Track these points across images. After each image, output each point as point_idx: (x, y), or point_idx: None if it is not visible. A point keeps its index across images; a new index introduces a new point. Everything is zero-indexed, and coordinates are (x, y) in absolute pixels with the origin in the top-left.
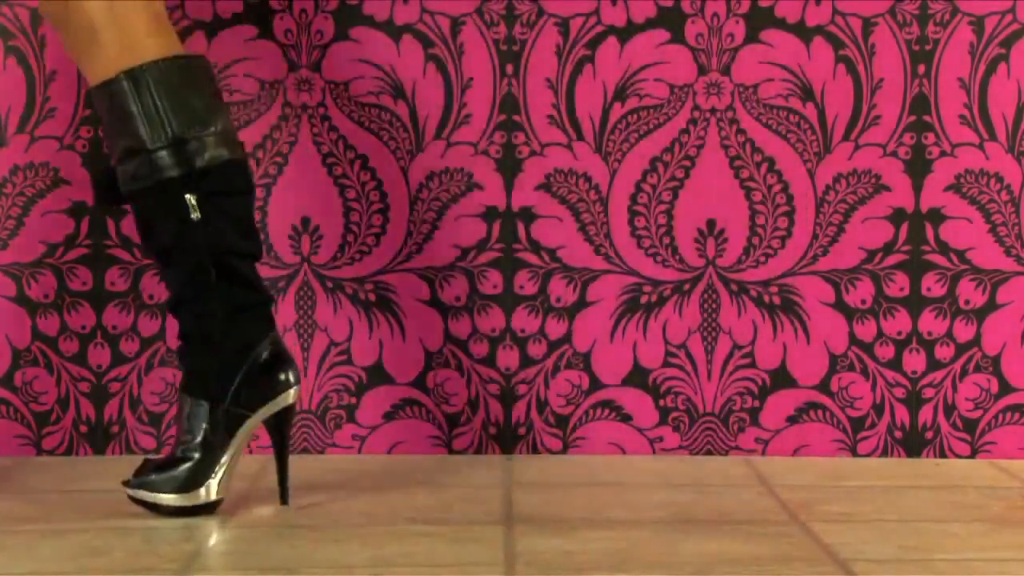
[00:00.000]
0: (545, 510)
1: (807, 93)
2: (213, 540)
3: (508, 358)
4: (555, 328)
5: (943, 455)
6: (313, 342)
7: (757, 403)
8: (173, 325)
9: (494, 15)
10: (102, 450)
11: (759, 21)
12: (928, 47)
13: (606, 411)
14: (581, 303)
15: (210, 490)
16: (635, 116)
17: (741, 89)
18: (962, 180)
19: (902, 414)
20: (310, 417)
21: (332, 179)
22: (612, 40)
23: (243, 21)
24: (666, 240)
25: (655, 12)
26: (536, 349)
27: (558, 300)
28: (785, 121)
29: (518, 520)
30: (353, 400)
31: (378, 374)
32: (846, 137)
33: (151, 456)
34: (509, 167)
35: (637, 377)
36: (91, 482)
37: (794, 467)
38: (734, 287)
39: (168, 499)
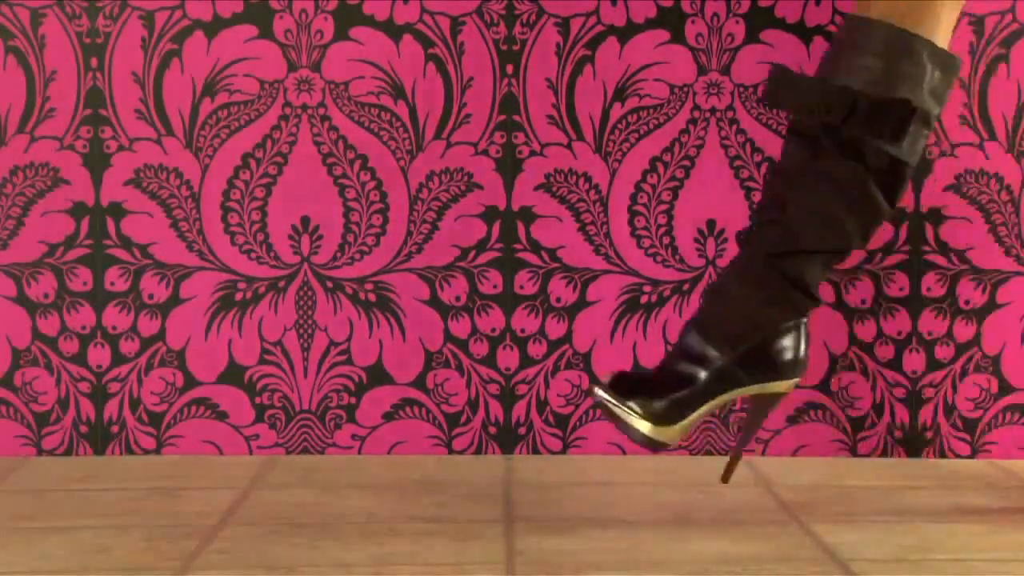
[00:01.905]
0: (545, 510)
1: None
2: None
3: (508, 358)
4: (555, 328)
5: (943, 455)
6: (313, 342)
7: None
8: (173, 325)
9: (494, 15)
10: (102, 450)
11: (759, 21)
12: None
13: None
14: (581, 303)
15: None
16: (635, 116)
17: (741, 89)
18: (962, 180)
19: (902, 414)
20: (310, 417)
21: (332, 179)
22: (612, 40)
23: (243, 21)
24: (666, 240)
25: (655, 12)
26: (536, 349)
27: (558, 300)
28: (785, 121)
29: (518, 520)
30: (353, 400)
31: (378, 374)
32: None
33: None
34: (509, 167)
35: None
36: (91, 482)
37: (794, 467)
38: None
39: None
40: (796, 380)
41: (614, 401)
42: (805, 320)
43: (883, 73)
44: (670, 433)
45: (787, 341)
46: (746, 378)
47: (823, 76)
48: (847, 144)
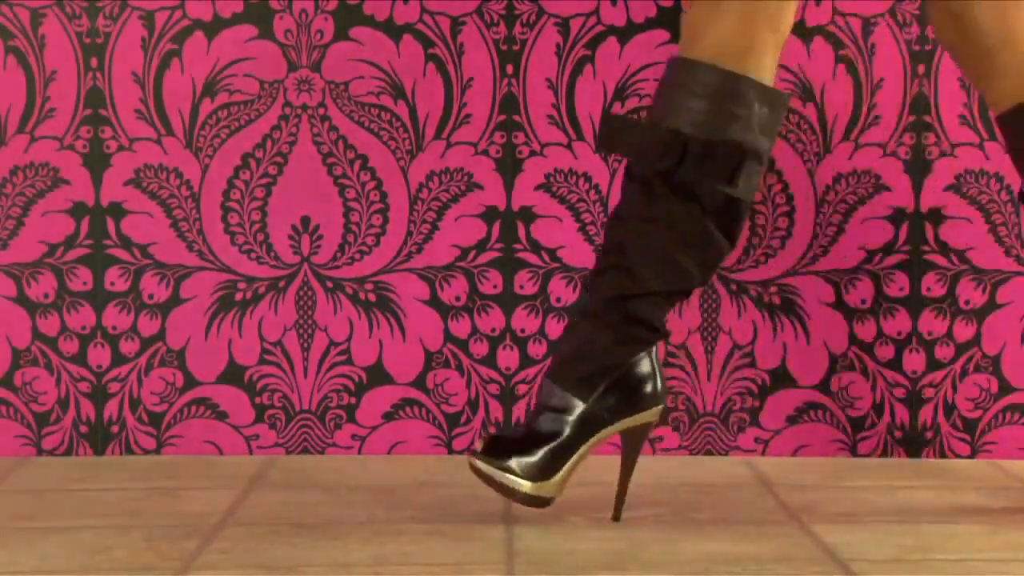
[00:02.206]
0: (545, 510)
1: (807, 93)
2: (213, 539)
3: (508, 358)
4: (556, 328)
5: (943, 455)
6: (313, 342)
7: (757, 403)
8: (173, 325)
9: (494, 15)
10: (102, 450)
11: None
12: (928, 47)
13: None
14: None
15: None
16: (635, 116)
17: None
18: (962, 180)
19: (902, 414)
20: (310, 417)
21: (332, 179)
22: (612, 40)
23: (243, 21)
24: None
25: (655, 12)
26: (536, 349)
27: (558, 300)
28: (784, 121)
29: (518, 520)
30: (353, 400)
31: (378, 374)
32: (846, 137)
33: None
34: (509, 167)
35: None
36: (91, 482)
37: (794, 467)
38: (734, 287)
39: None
40: (660, 407)
41: (491, 467)
42: (654, 347)
43: (712, 116)
44: (549, 487)
45: (642, 370)
46: (610, 418)
47: (654, 120)
48: (681, 187)
